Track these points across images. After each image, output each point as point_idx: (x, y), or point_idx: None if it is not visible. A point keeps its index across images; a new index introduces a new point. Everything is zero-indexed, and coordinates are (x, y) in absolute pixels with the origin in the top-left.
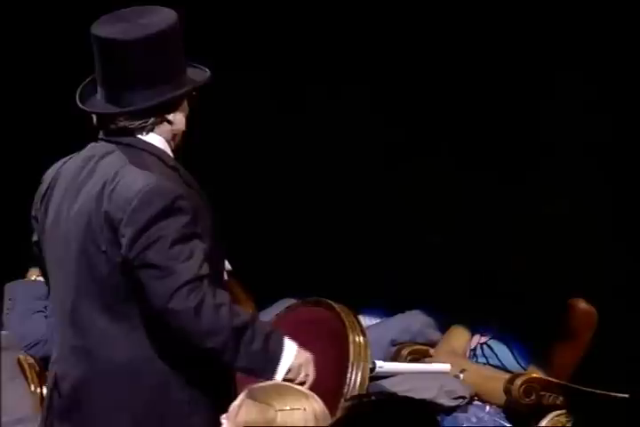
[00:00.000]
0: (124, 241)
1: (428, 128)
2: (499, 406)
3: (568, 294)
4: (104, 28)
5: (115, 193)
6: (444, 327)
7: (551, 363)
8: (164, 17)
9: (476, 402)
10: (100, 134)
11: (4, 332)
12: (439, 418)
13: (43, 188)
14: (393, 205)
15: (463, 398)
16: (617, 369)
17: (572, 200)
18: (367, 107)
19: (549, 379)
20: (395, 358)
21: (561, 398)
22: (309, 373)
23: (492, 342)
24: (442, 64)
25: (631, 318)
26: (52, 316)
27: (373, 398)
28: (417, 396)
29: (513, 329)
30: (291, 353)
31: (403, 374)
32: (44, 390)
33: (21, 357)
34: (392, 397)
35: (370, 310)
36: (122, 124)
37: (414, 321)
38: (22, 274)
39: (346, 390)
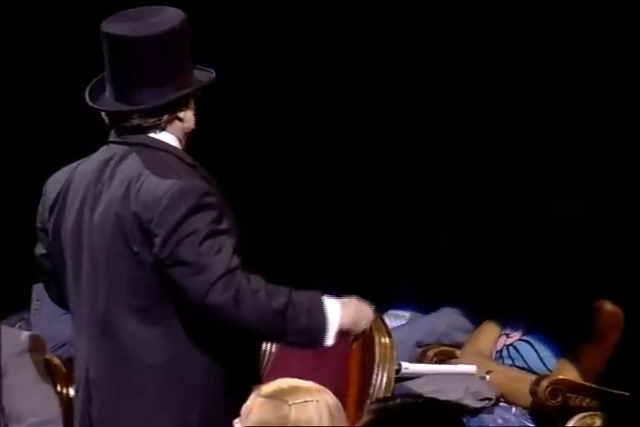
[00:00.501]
0: (156, 241)
1: (437, 130)
2: (525, 408)
3: (594, 295)
4: (114, 26)
5: (141, 194)
6: (472, 326)
7: (577, 365)
8: (173, 16)
9: (501, 404)
10: (112, 136)
11: (31, 333)
12: (465, 419)
13: (50, 196)
14: (416, 207)
15: (489, 399)
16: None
17: (597, 200)
18: (372, 107)
19: (575, 381)
20: (420, 359)
21: (587, 400)
22: (365, 323)
23: (518, 344)
24: (442, 68)
25: None
26: (75, 322)
27: (399, 400)
28: (443, 397)
29: (539, 330)
30: (335, 317)
31: (428, 375)
32: (71, 392)
33: (48, 358)
34: (418, 398)
35: (398, 306)
36: (135, 122)
37: (440, 323)
38: None
39: (371, 392)
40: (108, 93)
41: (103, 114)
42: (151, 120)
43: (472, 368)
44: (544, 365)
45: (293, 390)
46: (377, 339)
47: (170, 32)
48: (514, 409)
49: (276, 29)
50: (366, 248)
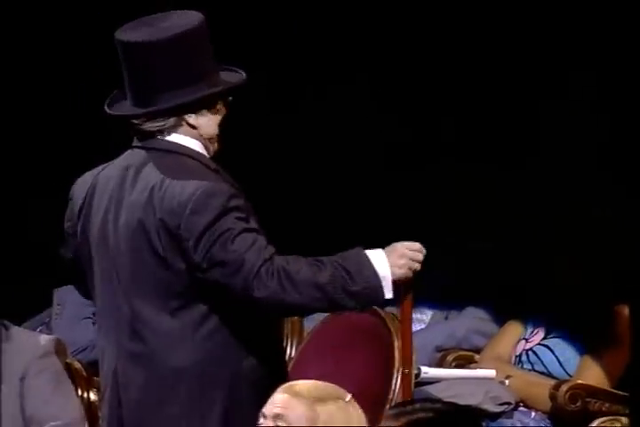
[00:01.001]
0: (187, 245)
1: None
2: (544, 413)
3: (614, 300)
4: (127, 33)
5: (166, 199)
6: (491, 330)
7: (597, 369)
8: (188, 20)
9: (521, 408)
10: (135, 141)
11: (52, 336)
12: (484, 424)
13: (78, 200)
14: (440, 211)
15: (508, 404)
16: None
17: (617, 204)
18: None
19: (595, 385)
20: (440, 363)
21: (607, 405)
22: (417, 264)
23: (538, 349)
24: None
25: None
26: (102, 324)
27: (418, 404)
28: (462, 402)
29: (559, 335)
30: (385, 270)
31: (448, 379)
32: (92, 395)
33: (69, 361)
34: (437, 403)
35: (420, 305)
36: (147, 125)
37: (459, 327)
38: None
39: (391, 397)
40: (128, 100)
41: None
42: (157, 124)
43: (491, 373)
44: (563, 369)
45: (330, 388)
46: (397, 343)
47: (181, 36)
48: (533, 414)
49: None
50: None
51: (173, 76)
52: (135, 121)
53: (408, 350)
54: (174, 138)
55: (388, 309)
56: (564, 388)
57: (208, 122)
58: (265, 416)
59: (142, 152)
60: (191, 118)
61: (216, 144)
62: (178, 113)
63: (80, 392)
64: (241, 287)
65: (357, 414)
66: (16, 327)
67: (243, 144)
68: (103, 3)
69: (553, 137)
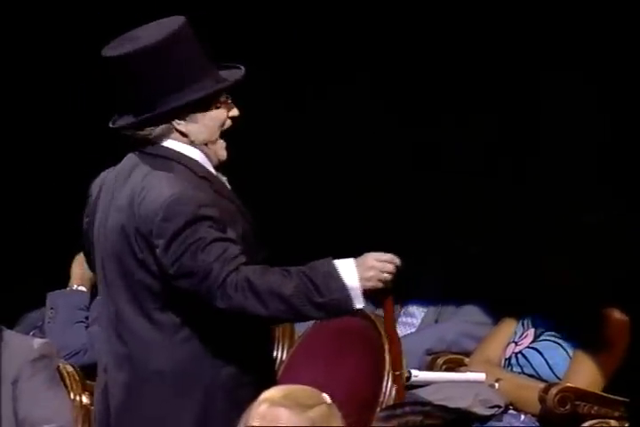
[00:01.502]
0: (157, 252)
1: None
2: (533, 416)
3: (603, 303)
4: (109, 49)
5: (143, 205)
6: (481, 334)
7: (586, 372)
8: (165, 29)
9: (510, 411)
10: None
11: (45, 340)
12: None
13: (90, 200)
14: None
15: (498, 407)
16: None
17: (607, 209)
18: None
19: (584, 388)
20: (430, 367)
21: (596, 408)
22: (386, 275)
23: (527, 352)
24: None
25: None
26: (99, 325)
27: (407, 407)
28: (452, 405)
29: (548, 338)
30: (354, 281)
31: (438, 383)
32: (84, 399)
33: (61, 365)
34: (426, 406)
35: (418, 299)
36: (139, 134)
37: (449, 331)
38: (64, 284)
39: (382, 400)
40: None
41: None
42: (145, 133)
43: (481, 376)
44: (553, 372)
45: (311, 391)
46: (387, 346)
47: (152, 46)
48: (523, 417)
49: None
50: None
51: (156, 86)
52: (127, 131)
53: (397, 354)
54: (169, 144)
55: (379, 311)
56: (554, 391)
57: (199, 128)
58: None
59: (135, 156)
60: (180, 125)
61: (222, 150)
62: (162, 121)
63: (72, 396)
64: (206, 297)
65: (337, 414)
66: (9, 331)
67: (245, 144)
68: (104, 4)
69: (551, 143)
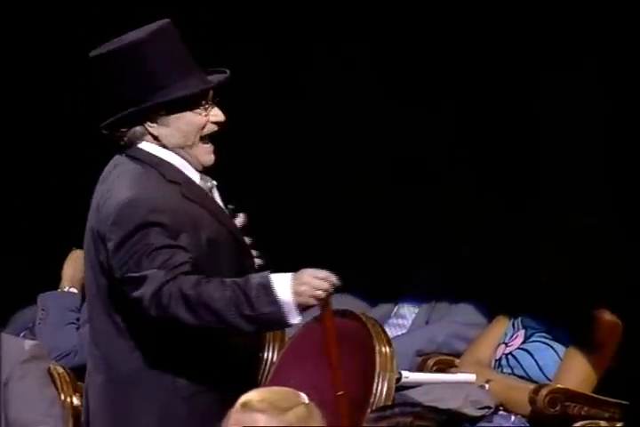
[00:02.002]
0: (108, 255)
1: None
2: (524, 417)
3: (593, 304)
4: (93, 51)
5: (103, 207)
6: (471, 335)
7: (576, 373)
8: (144, 31)
9: (501, 412)
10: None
11: (34, 342)
12: None
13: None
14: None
15: (488, 407)
16: None
17: (595, 211)
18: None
19: (574, 389)
20: (420, 368)
21: (586, 409)
22: (322, 292)
23: (517, 353)
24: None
25: None
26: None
27: (396, 409)
28: (442, 406)
29: (538, 340)
30: (287, 296)
31: (428, 384)
32: (75, 400)
33: (51, 366)
34: (415, 407)
35: (410, 297)
36: (115, 135)
37: (439, 332)
38: (55, 285)
39: (372, 401)
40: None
41: None
42: (117, 134)
43: (471, 377)
44: (543, 373)
45: (287, 393)
46: (377, 348)
47: (123, 48)
48: (513, 418)
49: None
50: (381, 237)
51: (131, 86)
52: (106, 131)
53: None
54: (145, 146)
55: (371, 312)
56: (544, 392)
57: (171, 132)
58: None
59: (116, 157)
60: (152, 128)
61: (205, 155)
62: (135, 122)
63: (63, 397)
64: (143, 303)
65: (317, 413)
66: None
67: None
68: (104, 4)
69: (549, 144)
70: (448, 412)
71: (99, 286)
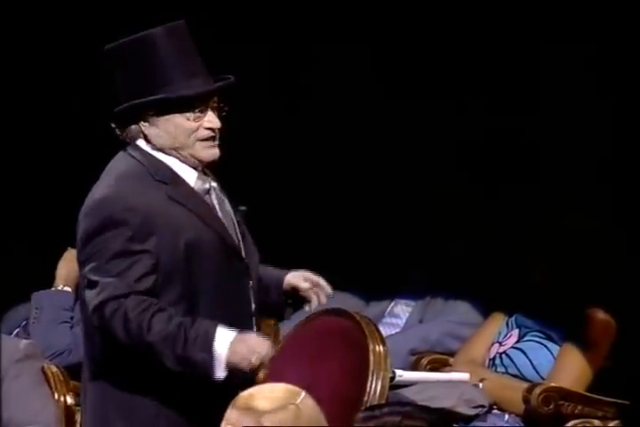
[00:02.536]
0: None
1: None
2: (517, 415)
3: (586, 304)
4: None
5: (84, 203)
6: (465, 334)
7: (570, 372)
8: (148, 32)
9: (495, 411)
10: None
11: (28, 341)
12: None
13: None
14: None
15: (482, 406)
16: (636, 379)
17: (590, 211)
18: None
19: (568, 388)
20: (414, 367)
21: (579, 408)
22: (255, 360)
23: (511, 352)
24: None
25: None
26: None
27: (386, 409)
28: (436, 404)
29: (532, 338)
30: (222, 351)
31: (422, 383)
32: (68, 399)
33: (45, 365)
34: (405, 406)
35: (407, 293)
36: (117, 132)
37: (433, 331)
38: (49, 284)
39: (366, 399)
40: None
41: None
42: (119, 132)
43: (465, 376)
44: (537, 372)
45: (278, 392)
46: (371, 347)
47: (123, 46)
48: (507, 416)
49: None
50: (378, 234)
51: (129, 86)
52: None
53: None
54: (141, 144)
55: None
56: (538, 391)
57: (159, 133)
58: None
59: (118, 153)
60: (144, 127)
61: (204, 151)
62: (129, 120)
63: (57, 396)
64: (91, 307)
65: (308, 414)
66: None
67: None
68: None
69: (541, 143)
70: (438, 411)
71: (81, 285)
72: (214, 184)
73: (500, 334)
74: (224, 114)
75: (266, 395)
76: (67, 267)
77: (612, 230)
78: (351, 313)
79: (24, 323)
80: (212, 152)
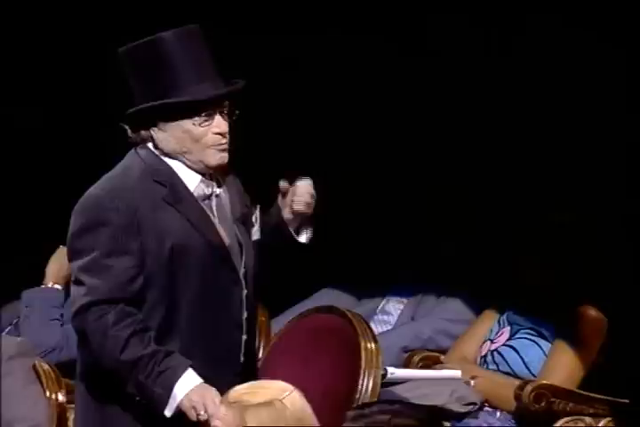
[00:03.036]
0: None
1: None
2: (509, 413)
3: (578, 301)
4: None
5: None
6: (457, 331)
7: (561, 370)
8: (161, 35)
9: (486, 408)
10: None
11: (20, 338)
12: (450, 424)
13: None
14: (408, 211)
15: (474, 404)
16: (627, 377)
17: (582, 208)
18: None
19: (559, 386)
20: (406, 364)
21: (571, 405)
22: (207, 410)
23: (503, 349)
24: None
25: None
26: None
27: (375, 407)
28: (428, 402)
29: (524, 336)
30: (180, 393)
31: (414, 380)
32: (60, 397)
33: (37, 363)
34: (394, 404)
35: (397, 290)
36: (129, 134)
37: (425, 328)
38: (39, 281)
39: (358, 397)
40: None
41: None
42: (131, 135)
43: (457, 373)
44: (528, 370)
45: (267, 389)
46: (363, 344)
47: (134, 49)
48: (498, 414)
49: None
50: (370, 232)
51: (140, 89)
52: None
53: None
54: (151, 146)
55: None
56: (529, 388)
57: (167, 137)
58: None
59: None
60: (154, 132)
61: (212, 156)
62: (138, 123)
63: (48, 394)
64: (74, 306)
65: (293, 411)
66: None
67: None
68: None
69: (524, 141)
70: (428, 409)
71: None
72: (219, 190)
73: (491, 331)
74: (235, 118)
75: (255, 390)
76: (57, 264)
77: (604, 228)
78: (343, 311)
79: (15, 321)
80: (219, 157)
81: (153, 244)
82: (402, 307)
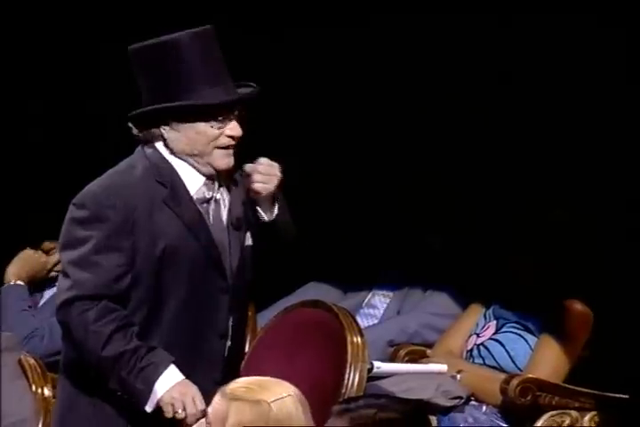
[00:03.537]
0: None
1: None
2: (495, 407)
3: (564, 295)
4: None
5: None
6: (443, 325)
7: (547, 364)
8: (174, 36)
9: (472, 402)
10: None
11: (5, 333)
12: (436, 418)
13: None
14: (394, 205)
15: (460, 398)
16: (613, 370)
17: (570, 203)
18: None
19: (545, 379)
20: (392, 358)
21: (556, 399)
22: (186, 409)
23: (489, 343)
24: None
25: (627, 319)
26: None
27: (361, 401)
28: (414, 396)
29: (510, 330)
30: (161, 389)
31: (400, 374)
32: (46, 391)
33: (22, 357)
34: (380, 398)
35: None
36: (135, 132)
37: (411, 322)
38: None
39: (344, 391)
40: None
41: None
42: (139, 133)
43: (443, 367)
44: (514, 364)
45: (265, 388)
46: (349, 338)
47: (145, 50)
48: (484, 408)
49: None
50: (356, 225)
51: (152, 89)
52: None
53: None
54: (159, 145)
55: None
56: (515, 382)
57: (179, 138)
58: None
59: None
60: (165, 131)
61: (219, 160)
62: (149, 123)
63: (34, 388)
64: (58, 298)
65: (278, 416)
66: None
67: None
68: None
69: (515, 139)
70: (414, 403)
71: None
72: (220, 195)
73: (477, 325)
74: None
75: (255, 387)
76: (18, 266)
77: (590, 222)
78: (328, 305)
79: None
80: (227, 161)
81: (145, 243)
82: (388, 301)
